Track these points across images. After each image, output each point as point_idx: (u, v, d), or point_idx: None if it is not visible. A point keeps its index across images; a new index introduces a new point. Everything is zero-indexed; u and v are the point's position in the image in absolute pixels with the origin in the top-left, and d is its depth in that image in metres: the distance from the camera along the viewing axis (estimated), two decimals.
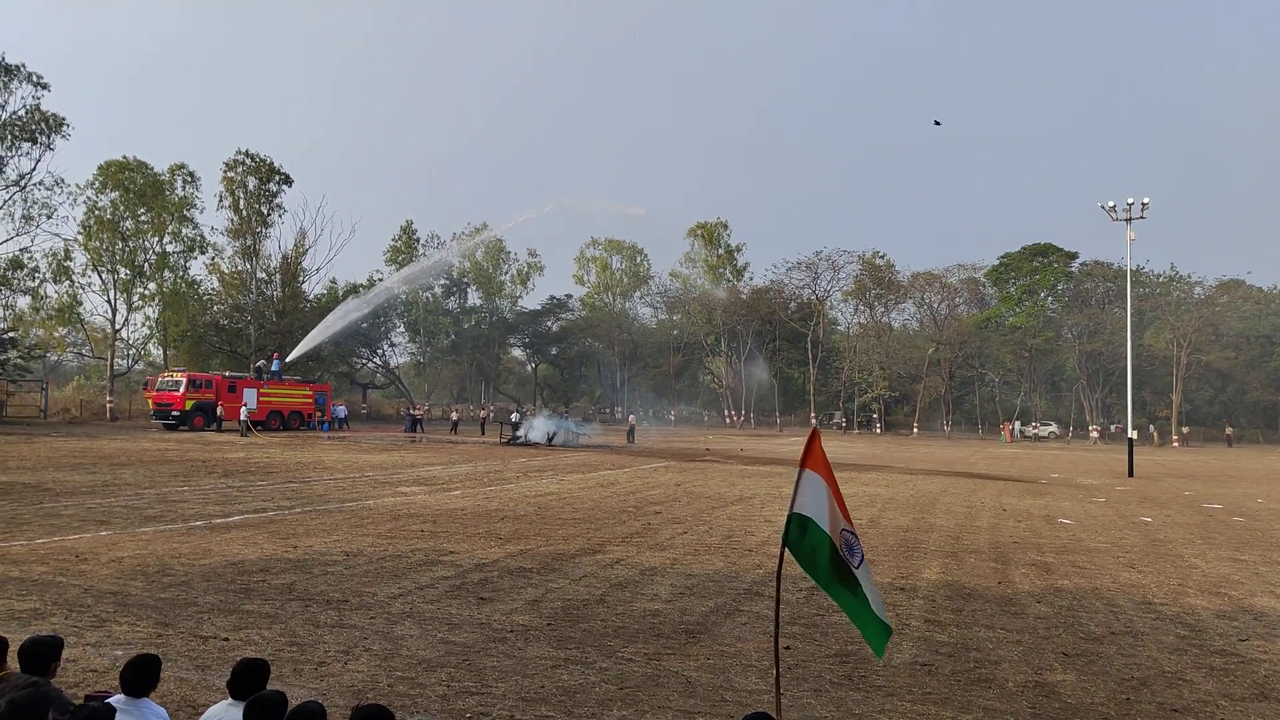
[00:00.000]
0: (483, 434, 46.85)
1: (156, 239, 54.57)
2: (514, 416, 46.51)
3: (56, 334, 57.48)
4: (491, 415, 56.95)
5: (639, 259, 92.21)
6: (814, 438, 4.21)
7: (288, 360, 49.03)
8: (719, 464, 29.07)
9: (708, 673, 6.48)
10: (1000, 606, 9.01)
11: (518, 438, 38.69)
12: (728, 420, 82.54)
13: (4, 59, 45.63)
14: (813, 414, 78.31)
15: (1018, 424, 70.11)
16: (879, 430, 73.74)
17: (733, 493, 19.42)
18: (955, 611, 8.71)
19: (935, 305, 78.20)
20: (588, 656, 6.76)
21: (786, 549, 4.29)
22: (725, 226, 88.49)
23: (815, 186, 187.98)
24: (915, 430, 72.52)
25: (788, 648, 7.08)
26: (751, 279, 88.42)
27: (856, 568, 4.11)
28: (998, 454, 43.44)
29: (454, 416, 52.07)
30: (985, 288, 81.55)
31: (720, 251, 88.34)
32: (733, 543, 12.44)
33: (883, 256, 79.79)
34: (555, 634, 7.37)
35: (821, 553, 4.14)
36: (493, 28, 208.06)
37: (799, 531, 4.18)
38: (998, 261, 79.81)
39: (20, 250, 48.79)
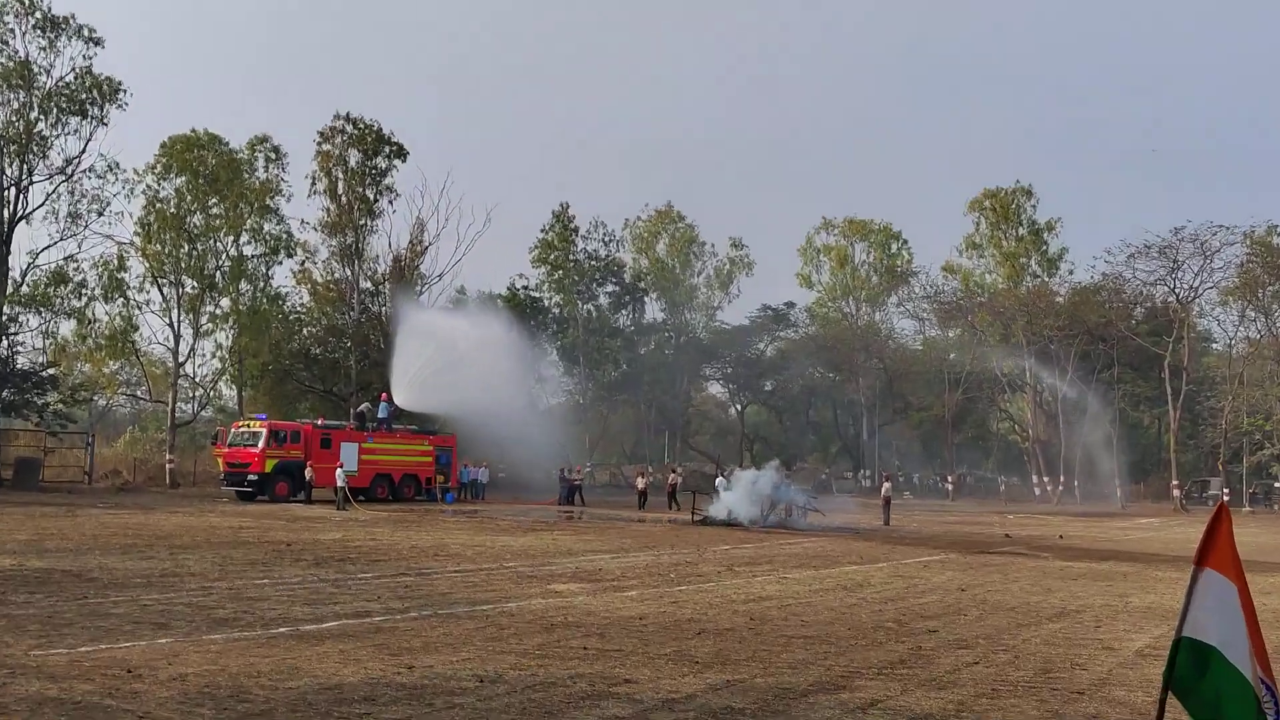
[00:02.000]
0: (671, 508, 47.38)
1: (231, 239, 58.03)
2: (718, 481, 45.97)
3: (106, 370, 63.18)
4: (682, 480, 55.69)
5: (895, 246, 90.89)
6: (1221, 517, 4.02)
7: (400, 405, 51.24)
8: (1025, 558, 28.13)
9: None
10: None
11: (711, 516, 38.61)
12: (1036, 491, 79.55)
13: (50, 10, 50.92)
14: (1174, 480, 73.76)
15: None
16: None
17: (1049, 603, 18.61)
18: None
19: None
20: None
21: (1170, 691, 4.04)
22: (1029, 194, 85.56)
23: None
24: None
25: None
26: (1071, 272, 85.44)
27: None
28: None
29: (640, 484, 51.96)
30: None
31: (1022, 232, 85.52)
32: (1052, 680, 11.82)
33: None
34: None
35: (1233, 705, 3.84)
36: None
37: (1193, 667, 3.91)
38: None
39: (65, 259, 53.02)
